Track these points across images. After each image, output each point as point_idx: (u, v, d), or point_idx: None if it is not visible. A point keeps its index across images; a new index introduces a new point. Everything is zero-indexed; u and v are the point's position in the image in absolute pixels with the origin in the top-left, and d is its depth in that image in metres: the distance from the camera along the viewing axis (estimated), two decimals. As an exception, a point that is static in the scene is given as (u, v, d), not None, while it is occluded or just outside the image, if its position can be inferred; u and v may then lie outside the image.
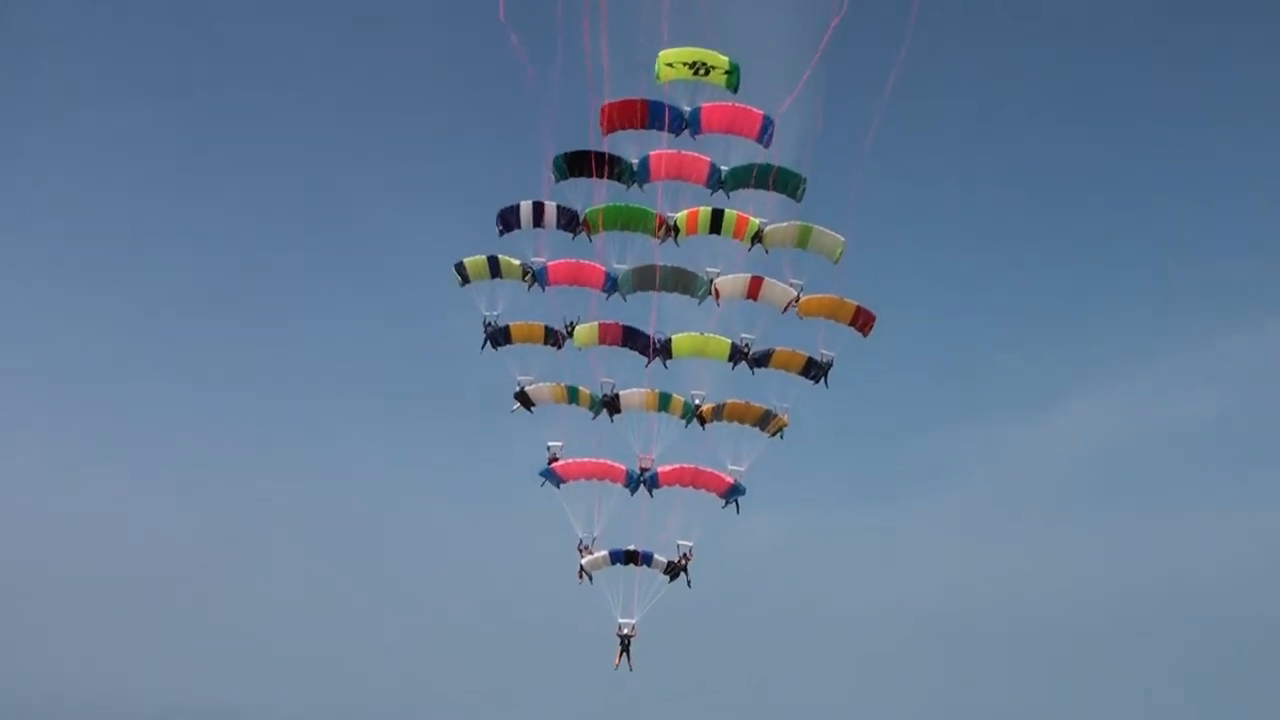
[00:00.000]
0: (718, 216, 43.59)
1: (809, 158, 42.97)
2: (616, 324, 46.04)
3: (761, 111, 41.13)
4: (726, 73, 39.71)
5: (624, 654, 44.96)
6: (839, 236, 44.14)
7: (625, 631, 45.03)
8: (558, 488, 46.79)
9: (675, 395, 46.69)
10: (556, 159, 42.62)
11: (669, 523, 46.73)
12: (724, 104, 41.00)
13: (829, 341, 45.95)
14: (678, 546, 46.40)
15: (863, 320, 45.54)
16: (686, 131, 41.71)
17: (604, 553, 45.94)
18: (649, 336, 45.92)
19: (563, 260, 45.09)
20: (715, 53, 39.38)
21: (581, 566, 45.87)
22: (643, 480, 46.71)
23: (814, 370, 46.40)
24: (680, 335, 46.12)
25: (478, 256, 45.21)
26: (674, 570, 46.00)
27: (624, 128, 41.31)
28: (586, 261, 45.07)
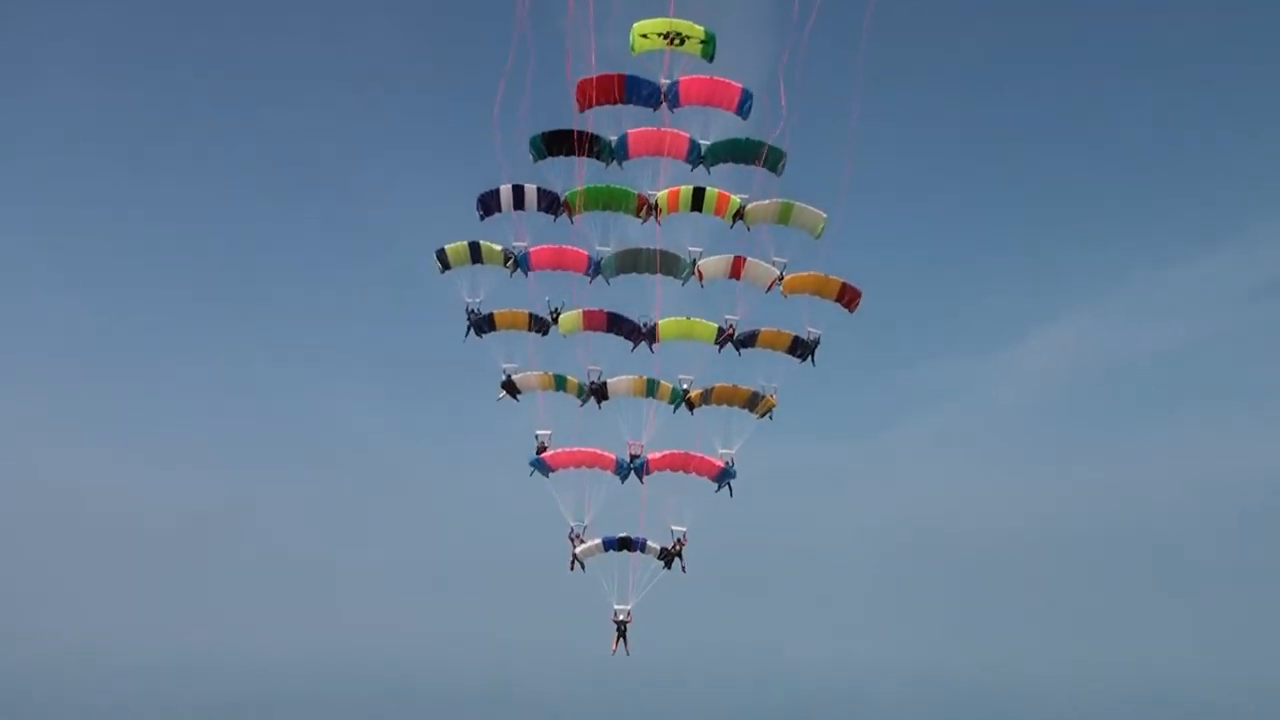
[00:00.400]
0: (699, 195, 43.31)
1: (786, 127, 42.79)
2: (601, 311, 45.56)
3: (740, 84, 40.92)
4: (702, 42, 39.44)
5: (620, 639, 44.14)
6: (821, 212, 43.91)
7: (621, 618, 44.20)
8: (546, 477, 46.01)
9: (663, 381, 46.17)
10: (534, 139, 42.09)
11: (660, 509, 46.08)
12: (702, 77, 40.70)
13: (814, 319, 45.73)
14: (671, 532, 45.70)
15: (848, 297, 45.24)
16: (664, 105, 41.51)
17: (596, 541, 45.16)
18: (635, 322, 45.45)
19: (545, 245, 44.57)
20: (690, 22, 39.22)
21: (574, 555, 45.06)
22: (633, 467, 46.00)
23: (800, 349, 46.02)
24: (666, 319, 45.64)
25: (458, 243, 44.62)
26: (668, 556, 45.32)
27: (602, 103, 40.94)
28: (569, 246, 44.67)
